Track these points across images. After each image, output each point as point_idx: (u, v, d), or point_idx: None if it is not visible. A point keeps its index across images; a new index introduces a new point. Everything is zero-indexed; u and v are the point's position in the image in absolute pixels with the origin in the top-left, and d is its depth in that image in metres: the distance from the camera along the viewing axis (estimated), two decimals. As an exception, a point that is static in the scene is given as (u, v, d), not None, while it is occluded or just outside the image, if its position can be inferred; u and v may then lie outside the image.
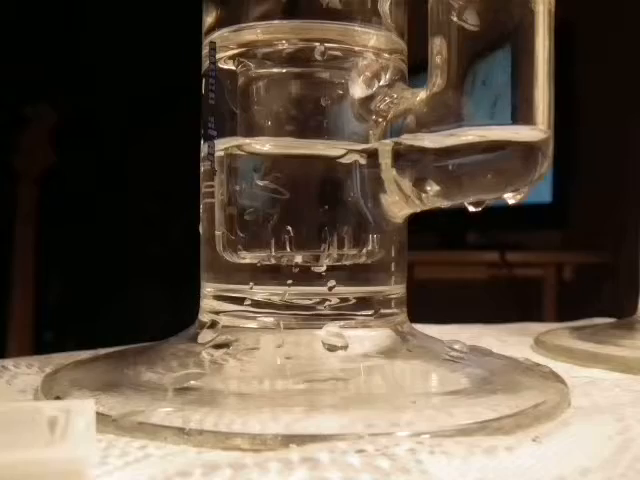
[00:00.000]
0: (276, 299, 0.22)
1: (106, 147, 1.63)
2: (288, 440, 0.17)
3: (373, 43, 0.22)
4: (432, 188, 0.21)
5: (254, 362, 0.21)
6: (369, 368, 0.21)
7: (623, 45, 1.40)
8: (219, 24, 0.23)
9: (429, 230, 1.37)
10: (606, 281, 1.44)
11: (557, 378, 0.23)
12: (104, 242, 1.60)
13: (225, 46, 0.23)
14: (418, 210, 0.22)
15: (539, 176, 0.20)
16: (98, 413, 0.17)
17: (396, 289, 0.23)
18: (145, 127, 1.61)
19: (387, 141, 0.22)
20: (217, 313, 0.23)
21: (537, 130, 0.20)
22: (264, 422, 0.17)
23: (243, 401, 0.20)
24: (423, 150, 0.21)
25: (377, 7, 0.22)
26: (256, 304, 0.22)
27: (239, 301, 0.22)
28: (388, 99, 0.22)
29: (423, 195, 0.21)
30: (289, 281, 0.22)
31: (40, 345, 1.45)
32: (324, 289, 0.22)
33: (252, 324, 0.22)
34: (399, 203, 0.22)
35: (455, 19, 0.20)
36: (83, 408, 0.15)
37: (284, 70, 0.22)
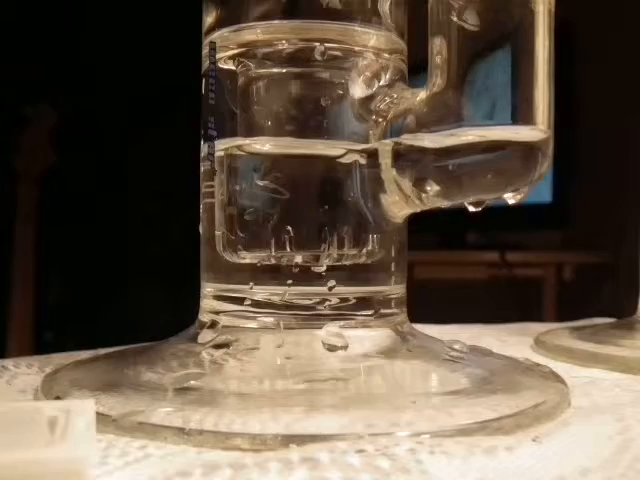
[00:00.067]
0: (276, 299, 0.22)
1: (106, 147, 1.63)
2: (288, 440, 0.17)
3: (373, 43, 0.22)
4: (432, 188, 0.21)
5: (254, 362, 0.21)
6: (369, 368, 0.21)
7: (623, 45, 1.40)
8: (219, 24, 0.23)
9: (429, 230, 1.37)
10: (606, 281, 1.44)
11: (557, 378, 0.23)
12: (104, 242, 1.60)
13: (225, 46, 0.23)
14: (418, 210, 0.22)
15: (539, 176, 0.20)
16: (98, 413, 0.17)
17: (396, 289, 0.23)
18: (145, 127, 1.61)
19: (387, 141, 0.22)
20: (217, 313, 0.23)
21: (537, 130, 0.20)
22: (264, 422, 0.17)
23: (243, 401, 0.20)
24: (423, 150, 0.21)
25: (377, 7, 0.22)
26: (256, 304, 0.22)
27: (239, 301, 0.22)
28: (388, 99, 0.22)
29: (423, 195, 0.21)
30: (289, 281, 0.22)
31: (40, 345, 1.45)
32: (324, 289, 0.22)
33: (252, 324, 0.22)
34: (399, 203, 0.22)
35: (455, 19, 0.20)
36: (83, 408, 0.15)
37: (284, 70, 0.22)
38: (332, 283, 0.22)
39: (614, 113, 1.43)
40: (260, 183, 0.22)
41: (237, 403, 0.20)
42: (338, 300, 0.22)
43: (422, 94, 0.21)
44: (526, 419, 0.19)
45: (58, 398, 0.20)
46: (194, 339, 0.22)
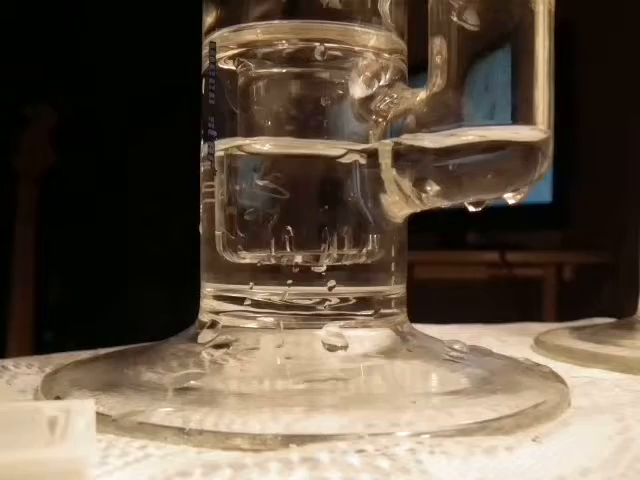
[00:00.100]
0: (276, 299, 0.22)
1: (106, 147, 1.63)
2: (288, 440, 0.17)
3: (373, 43, 0.22)
4: (432, 188, 0.21)
5: (254, 362, 0.21)
6: (369, 368, 0.21)
7: (623, 45, 1.40)
8: (219, 24, 0.23)
9: (429, 230, 1.37)
10: (606, 281, 1.44)
11: (557, 378, 0.23)
12: (104, 242, 1.60)
13: (225, 46, 0.23)
14: (418, 210, 0.22)
15: (539, 176, 0.20)
16: (98, 413, 0.17)
17: (396, 289, 0.23)
18: (145, 127, 1.61)
19: (387, 141, 0.22)
20: (217, 313, 0.23)
21: (537, 130, 0.20)
22: (264, 422, 0.17)
23: (243, 401, 0.20)
24: (423, 150, 0.21)
25: (377, 7, 0.22)
26: (256, 304, 0.22)
27: (239, 301, 0.22)
28: (388, 99, 0.22)
29: (423, 195, 0.21)
30: (289, 281, 0.22)
31: (40, 345, 1.45)
32: (324, 289, 0.22)
33: (252, 324, 0.22)
34: (399, 203, 0.22)
35: (455, 19, 0.20)
36: (83, 408, 0.15)
37: (284, 70, 0.22)
38: (332, 283, 0.22)
39: (614, 113, 1.43)
40: (260, 183, 0.22)
41: (237, 403, 0.20)
42: (338, 300, 0.22)
43: (422, 94, 0.21)
44: (526, 419, 0.19)
45: (58, 398, 0.20)
46: (194, 339, 0.22)
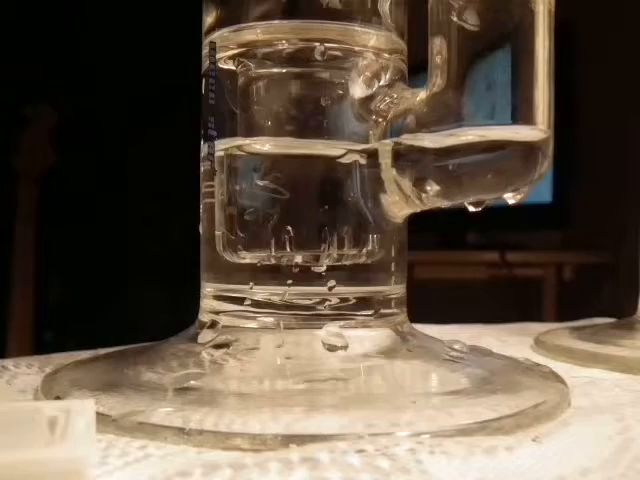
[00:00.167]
0: (276, 299, 0.22)
1: (106, 147, 1.63)
2: (288, 440, 0.17)
3: (373, 43, 0.22)
4: (432, 188, 0.21)
5: (254, 362, 0.21)
6: (369, 368, 0.21)
7: (623, 45, 1.40)
8: (219, 24, 0.23)
9: (429, 230, 1.37)
10: (606, 281, 1.44)
11: (557, 378, 0.23)
12: (104, 242, 1.60)
13: (225, 46, 0.23)
14: (418, 210, 0.22)
15: (539, 176, 0.20)
16: (98, 413, 0.17)
17: (396, 289, 0.23)
18: (145, 127, 1.61)
19: (387, 141, 0.22)
20: (217, 313, 0.23)
21: (537, 130, 0.20)
22: (264, 422, 0.17)
23: (243, 401, 0.20)
24: (423, 150, 0.21)
25: (377, 7, 0.22)
26: (256, 304, 0.22)
27: (239, 301, 0.22)
28: (388, 99, 0.22)
29: (423, 195, 0.21)
30: (289, 281, 0.22)
31: (40, 345, 1.45)
32: (324, 289, 0.22)
33: (252, 324, 0.22)
34: (399, 203, 0.22)
35: (455, 19, 0.20)
36: (83, 408, 0.15)
37: (284, 70, 0.22)
38: (332, 283, 0.22)
39: (614, 113, 1.43)
40: (260, 183, 0.22)
41: (237, 403, 0.20)
42: (338, 300, 0.22)
43: (422, 94, 0.21)
44: (526, 419, 0.19)
45: (58, 398, 0.20)
46: (194, 339, 0.22)
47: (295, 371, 0.21)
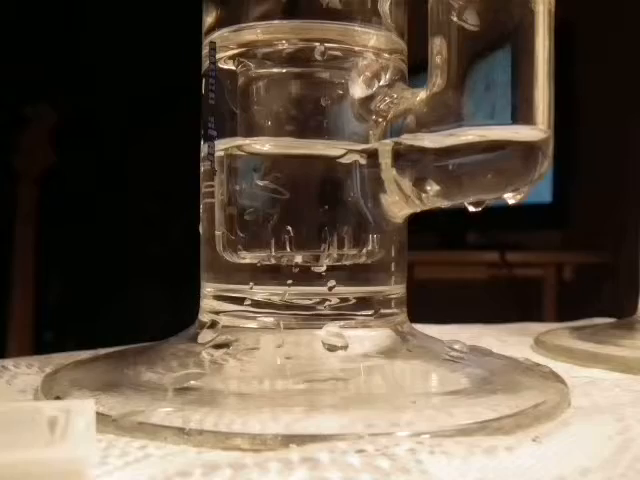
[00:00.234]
0: (276, 299, 0.22)
1: (106, 147, 1.63)
2: (288, 440, 0.17)
3: (373, 43, 0.22)
4: (432, 188, 0.21)
5: (254, 362, 0.21)
6: (369, 368, 0.21)
7: (623, 45, 1.40)
8: (219, 24, 0.23)
9: (429, 230, 1.37)
10: (606, 281, 1.44)
11: (557, 378, 0.23)
12: (104, 242, 1.60)
13: (225, 46, 0.23)
14: (418, 210, 0.22)
15: (539, 176, 0.20)
16: (98, 413, 0.17)
17: (396, 289, 0.23)
18: (145, 127, 1.61)
19: (387, 141, 0.22)
20: (217, 313, 0.23)
21: (537, 130, 0.20)
22: (264, 422, 0.17)
23: (243, 401, 0.20)
24: (423, 150, 0.21)
25: (377, 7, 0.22)
26: (256, 304, 0.22)
27: (239, 301, 0.22)
28: (388, 99, 0.22)
29: (423, 195, 0.21)
30: (289, 281, 0.22)
31: (40, 345, 1.45)
32: (324, 289, 0.22)
33: (252, 324, 0.22)
34: (399, 203, 0.22)
35: (455, 19, 0.20)
36: (83, 408, 0.15)
37: (284, 70, 0.22)
38: (332, 283, 0.22)
39: (614, 113, 1.43)
40: (260, 183, 0.22)
41: (237, 403, 0.20)
42: (338, 300, 0.22)
43: (422, 94, 0.21)
44: (526, 419, 0.19)
45: (58, 398, 0.20)
46: (194, 339, 0.22)
47: (295, 371, 0.21)
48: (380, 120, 0.22)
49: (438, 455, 0.16)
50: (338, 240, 0.22)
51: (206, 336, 0.22)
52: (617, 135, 1.40)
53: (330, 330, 0.21)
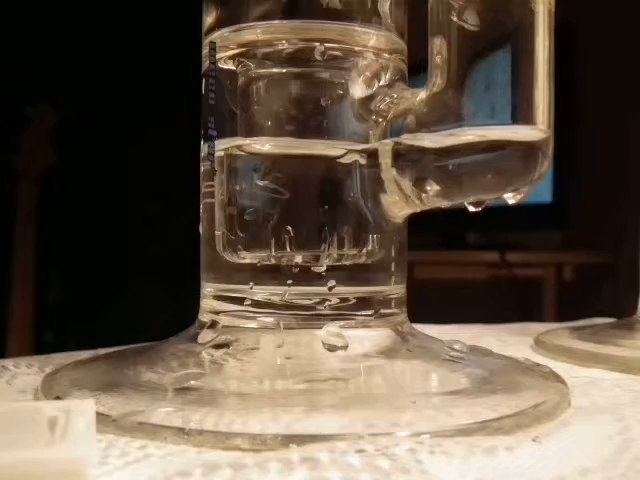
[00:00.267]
0: (276, 299, 0.22)
1: (106, 147, 1.63)
2: (288, 440, 0.17)
3: (373, 43, 0.22)
4: (432, 188, 0.21)
5: (254, 362, 0.21)
6: (369, 368, 0.21)
7: (623, 45, 1.40)
8: (219, 24, 0.23)
9: (429, 230, 1.37)
10: (606, 281, 1.44)
11: (557, 378, 0.23)
12: (104, 242, 1.60)
13: (225, 46, 0.23)
14: (418, 210, 0.22)
15: (539, 176, 0.20)
16: (98, 413, 0.17)
17: (396, 289, 0.23)
18: (145, 127, 1.61)
19: (387, 141, 0.22)
20: (217, 313, 0.23)
21: (537, 130, 0.20)
22: (264, 422, 0.17)
23: (243, 401, 0.20)
24: (423, 150, 0.21)
25: (377, 7, 0.22)
26: (256, 304, 0.22)
27: (239, 301, 0.22)
28: (388, 99, 0.22)
29: (423, 195, 0.21)
30: (289, 281, 0.22)
31: (40, 345, 1.45)
32: (324, 289, 0.22)
33: (252, 324, 0.22)
34: (399, 203, 0.22)
35: (455, 19, 0.20)
36: (83, 408, 0.15)
37: (284, 70, 0.22)
38: (332, 283, 0.22)
39: (614, 113, 1.43)
40: (260, 183, 0.22)
41: (237, 403, 0.20)
42: (338, 300, 0.22)
43: (422, 94, 0.21)
44: (526, 419, 0.19)
45: (58, 398, 0.20)
46: (194, 339, 0.22)
47: (295, 371, 0.21)
48: (380, 120, 0.22)
49: (438, 455, 0.16)
50: (338, 240, 0.22)
51: (206, 336, 0.22)
52: (617, 135, 1.40)
53: (330, 330, 0.21)
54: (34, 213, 1.48)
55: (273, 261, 0.22)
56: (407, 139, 0.21)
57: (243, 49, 0.22)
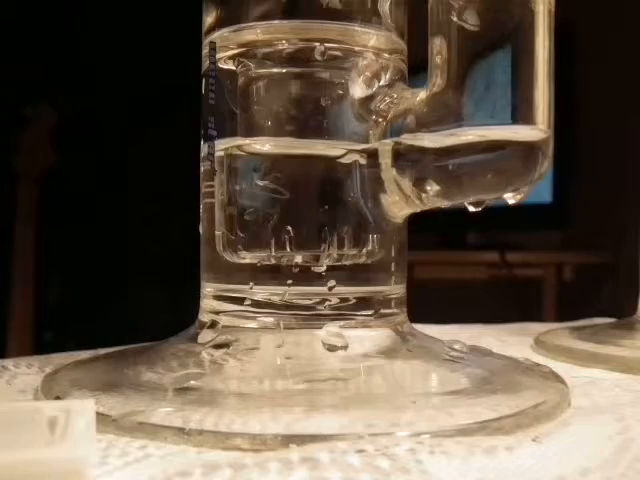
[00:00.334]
0: (276, 299, 0.22)
1: (106, 147, 1.63)
2: (288, 440, 0.17)
3: (373, 43, 0.22)
4: (432, 188, 0.21)
5: (254, 362, 0.21)
6: (369, 368, 0.21)
7: (623, 45, 1.40)
8: (219, 24, 0.23)
9: (429, 230, 1.37)
10: (606, 281, 1.44)
11: (557, 378, 0.23)
12: (104, 242, 1.60)
13: (225, 46, 0.23)
14: (418, 210, 0.22)
15: (539, 176, 0.20)
16: (98, 413, 0.17)
17: (396, 289, 0.23)
18: (145, 127, 1.61)
19: (387, 141, 0.22)
20: (217, 313, 0.23)
21: (537, 130, 0.20)
22: (264, 422, 0.17)
23: (243, 401, 0.20)
24: (423, 150, 0.21)
25: (377, 7, 0.22)
26: (256, 304, 0.22)
27: (239, 301, 0.22)
28: (388, 99, 0.22)
29: (423, 195, 0.21)
30: (289, 281, 0.22)
31: (40, 345, 1.45)
32: (324, 289, 0.22)
33: (252, 324, 0.22)
34: (399, 203, 0.22)
35: (455, 19, 0.20)
36: (83, 408, 0.15)
37: (284, 70, 0.22)
38: (332, 283, 0.22)
39: (614, 113, 1.43)
40: (260, 183, 0.22)
41: (237, 403, 0.20)
42: (338, 300, 0.22)
43: (422, 94, 0.21)
44: (526, 419, 0.19)
45: (58, 398, 0.20)
46: (194, 339, 0.22)
47: (295, 371, 0.21)
48: (380, 120, 0.22)
49: (438, 455, 0.16)
50: (338, 240, 0.22)
51: (206, 336, 0.22)
52: (617, 135, 1.40)
53: (330, 330, 0.21)
54: (34, 213, 1.48)
55: (273, 261, 0.22)
56: (407, 139, 0.21)
57: (243, 49, 0.22)
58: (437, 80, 0.21)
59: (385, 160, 0.22)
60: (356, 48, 0.22)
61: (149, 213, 1.60)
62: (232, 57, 0.22)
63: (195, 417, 0.18)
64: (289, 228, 0.22)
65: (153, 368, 0.21)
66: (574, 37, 1.43)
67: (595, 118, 1.47)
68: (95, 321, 1.55)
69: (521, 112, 0.20)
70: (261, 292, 0.22)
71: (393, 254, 0.23)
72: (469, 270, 1.59)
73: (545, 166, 0.20)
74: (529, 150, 0.20)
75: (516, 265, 1.46)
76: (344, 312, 0.22)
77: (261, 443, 0.17)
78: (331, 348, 0.21)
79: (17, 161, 1.49)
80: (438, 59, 0.21)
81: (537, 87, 0.20)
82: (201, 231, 0.24)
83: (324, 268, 0.22)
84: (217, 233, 0.23)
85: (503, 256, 1.45)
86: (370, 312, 0.22)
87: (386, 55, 0.23)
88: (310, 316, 0.22)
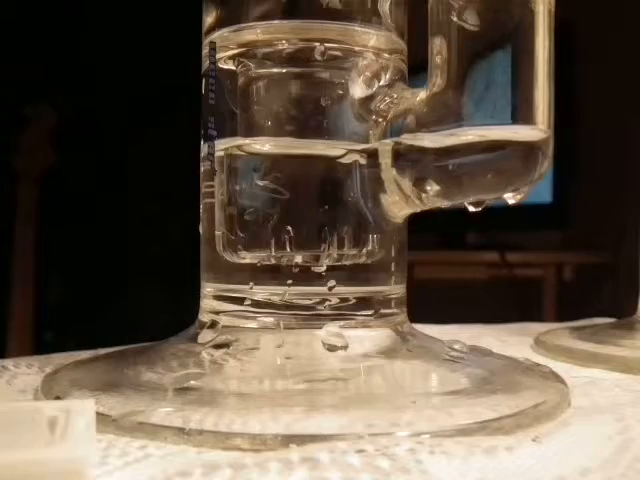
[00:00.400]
0: (276, 299, 0.22)
1: (106, 147, 1.63)
2: (288, 440, 0.17)
3: (373, 43, 0.22)
4: (432, 188, 0.21)
5: (254, 362, 0.21)
6: (369, 368, 0.21)
7: (623, 45, 1.40)
8: (219, 24, 0.23)
9: (429, 230, 1.37)
10: (606, 281, 1.44)
11: (557, 378, 0.23)
12: (104, 242, 1.60)
13: (225, 46, 0.23)
14: (418, 210, 0.22)
15: (539, 176, 0.20)
16: (98, 413, 0.17)
17: (396, 289, 0.23)
18: (145, 127, 1.61)
19: (387, 141, 0.22)
20: (217, 313, 0.23)
21: (537, 130, 0.20)
22: (264, 422, 0.17)
23: (243, 401, 0.20)
24: (423, 150, 0.21)
25: (377, 7, 0.22)
26: (256, 304, 0.22)
27: (239, 301, 0.22)
28: (388, 99, 0.22)
29: (423, 195, 0.21)
30: (289, 281, 0.22)
31: (40, 345, 1.45)
32: (324, 289, 0.22)
33: (252, 324, 0.22)
34: (399, 203, 0.22)
35: (455, 19, 0.20)
36: (83, 408, 0.15)
37: (284, 70, 0.22)
38: (332, 283, 0.22)
39: (614, 113, 1.43)
40: (260, 183, 0.22)
41: (237, 403, 0.20)
42: (338, 300, 0.22)
43: (422, 94, 0.21)
44: (526, 419, 0.19)
45: (58, 398, 0.20)
46: (194, 339, 0.22)
47: (295, 371, 0.21)
48: (380, 120, 0.22)
49: (438, 455, 0.16)
50: (338, 240, 0.22)
51: (206, 336, 0.22)
52: (617, 135, 1.40)
53: (330, 330, 0.21)
54: (34, 213, 1.48)
55: (273, 261, 0.22)
56: (407, 139, 0.21)
57: (243, 49, 0.22)
58: (437, 80, 0.21)
59: (385, 160, 0.22)
60: (356, 48, 0.22)
61: (149, 213, 1.60)
62: (232, 57, 0.22)
63: (195, 417, 0.18)
64: (289, 228, 0.22)
65: (153, 368, 0.21)
66: (574, 37, 1.43)
67: (595, 118, 1.47)
68: (95, 321, 1.55)
69: (521, 112, 0.20)
70: (261, 292, 0.22)
71: (393, 254, 0.23)
72: (469, 270, 1.59)
73: (545, 166, 0.20)
74: (529, 150, 0.20)
75: (516, 265, 1.46)
76: (344, 312, 0.22)
77: (261, 443, 0.17)
78: (331, 348, 0.21)
79: (17, 161, 1.49)
80: (438, 59, 0.21)
81: (537, 87, 0.20)
82: (201, 231, 0.24)
83: (324, 268, 0.22)
84: (217, 233, 0.23)
85: (503, 256, 1.45)
86: (370, 312, 0.22)
87: (386, 55, 0.23)
88: (310, 316, 0.22)
